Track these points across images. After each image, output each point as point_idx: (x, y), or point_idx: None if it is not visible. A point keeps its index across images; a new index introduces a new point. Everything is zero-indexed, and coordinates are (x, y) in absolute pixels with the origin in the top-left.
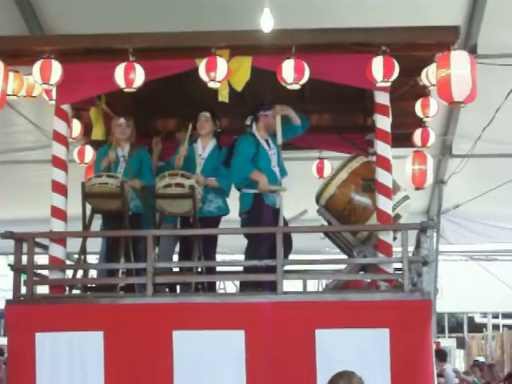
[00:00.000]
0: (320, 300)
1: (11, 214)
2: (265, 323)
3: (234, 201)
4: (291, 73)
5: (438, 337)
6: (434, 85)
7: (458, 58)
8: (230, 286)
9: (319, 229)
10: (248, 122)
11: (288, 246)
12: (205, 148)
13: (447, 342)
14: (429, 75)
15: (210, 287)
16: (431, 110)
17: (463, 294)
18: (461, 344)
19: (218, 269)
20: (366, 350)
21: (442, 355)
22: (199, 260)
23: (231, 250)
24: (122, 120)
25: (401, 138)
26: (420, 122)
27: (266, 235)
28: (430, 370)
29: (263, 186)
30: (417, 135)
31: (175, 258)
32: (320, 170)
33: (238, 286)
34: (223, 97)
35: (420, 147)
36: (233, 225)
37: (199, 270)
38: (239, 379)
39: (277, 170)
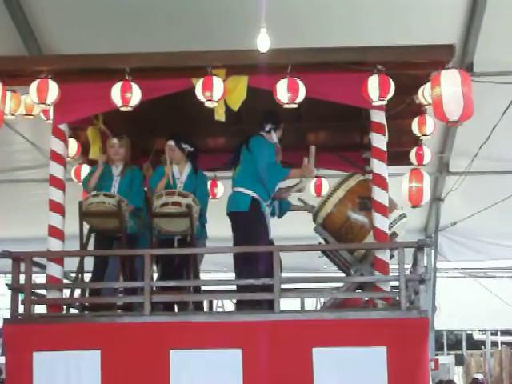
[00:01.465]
0: (317, 318)
1: (9, 233)
2: (262, 342)
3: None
4: (285, 93)
5: (437, 354)
6: (430, 103)
7: (449, 77)
8: (229, 305)
9: (316, 247)
10: (267, 129)
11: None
12: (182, 172)
13: (446, 359)
14: (425, 93)
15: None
16: (428, 128)
17: (461, 311)
18: (459, 361)
19: (216, 287)
20: (363, 368)
21: None
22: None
23: (229, 268)
24: (114, 140)
25: (398, 156)
26: (417, 140)
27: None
28: None
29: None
30: (413, 153)
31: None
32: (318, 188)
33: (234, 303)
34: (219, 116)
35: (416, 165)
36: (228, 244)
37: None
38: None
39: None
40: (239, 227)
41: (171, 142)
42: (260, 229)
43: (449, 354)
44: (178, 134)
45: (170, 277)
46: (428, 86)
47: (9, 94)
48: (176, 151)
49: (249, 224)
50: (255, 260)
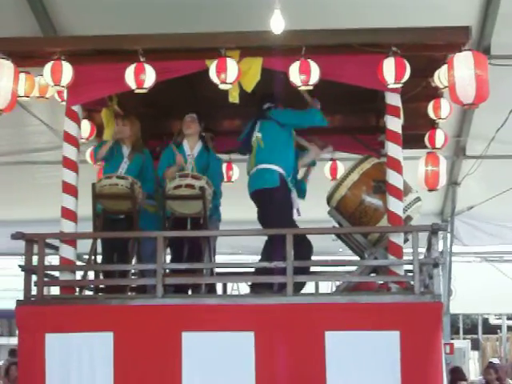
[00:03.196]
0: (330, 302)
1: (23, 215)
2: (274, 325)
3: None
4: (298, 75)
5: (453, 338)
6: (446, 86)
7: (462, 59)
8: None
9: (330, 230)
10: (265, 107)
11: (308, 246)
12: (193, 148)
13: (462, 344)
14: (441, 76)
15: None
16: (443, 111)
17: (477, 295)
18: (475, 345)
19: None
20: (376, 352)
21: None
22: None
23: (245, 250)
24: (118, 120)
25: (413, 139)
26: (433, 124)
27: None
28: (439, 373)
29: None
30: (427, 136)
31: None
32: (333, 172)
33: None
34: (233, 98)
35: (432, 149)
36: (244, 226)
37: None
38: (248, 381)
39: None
40: (266, 204)
41: (193, 114)
42: (287, 207)
43: (464, 339)
44: (199, 112)
45: (183, 259)
46: (444, 68)
47: (22, 75)
48: (195, 123)
49: (276, 201)
50: (277, 242)
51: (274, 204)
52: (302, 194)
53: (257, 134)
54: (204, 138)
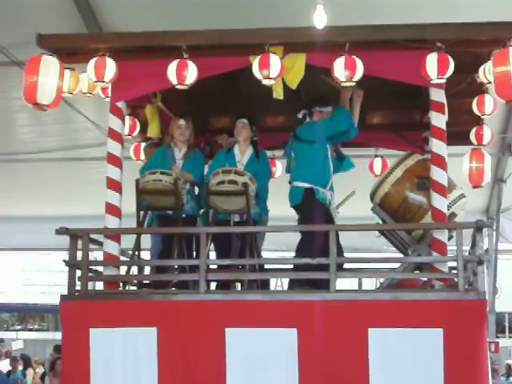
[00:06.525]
0: (373, 299)
1: (69, 211)
2: (317, 321)
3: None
4: (342, 71)
5: (498, 336)
6: (491, 82)
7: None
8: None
9: (373, 227)
10: (300, 116)
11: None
12: (243, 154)
13: (507, 342)
14: (486, 72)
15: (264, 285)
16: (487, 107)
17: None
18: None
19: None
20: (419, 349)
21: None
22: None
23: (289, 247)
24: (182, 121)
25: (458, 135)
26: (478, 120)
27: (318, 232)
28: (484, 371)
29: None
30: (473, 133)
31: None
32: (377, 168)
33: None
34: (278, 94)
35: (477, 145)
36: (287, 223)
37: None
38: (292, 377)
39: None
40: (299, 219)
41: (244, 120)
42: (317, 217)
43: (510, 337)
44: (251, 117)
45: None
46: (489, 64)
47: (67, 72)
48: (246, 129)
49: (305, 214)
50: (312, 247)
51: (303, 217)
52: (348, 165)
53: (292, 154)
54: (256, 143)
